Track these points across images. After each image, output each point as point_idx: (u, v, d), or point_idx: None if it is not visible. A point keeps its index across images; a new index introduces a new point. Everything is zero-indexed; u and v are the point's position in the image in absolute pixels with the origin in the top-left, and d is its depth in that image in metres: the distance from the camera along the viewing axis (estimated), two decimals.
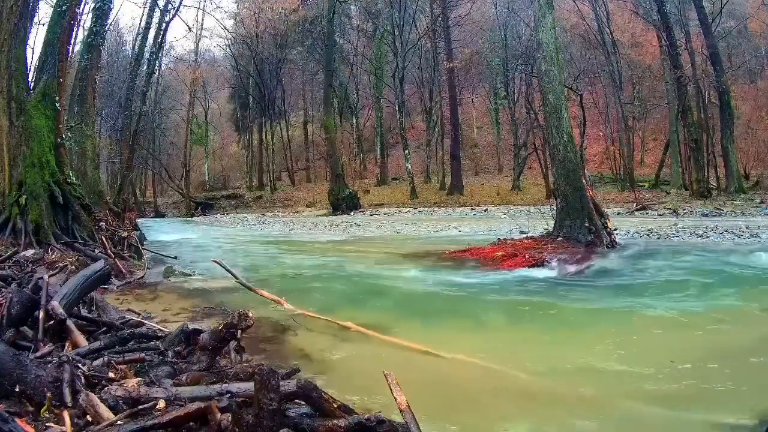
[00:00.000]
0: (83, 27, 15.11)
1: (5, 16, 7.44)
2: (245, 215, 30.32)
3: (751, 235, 9.89)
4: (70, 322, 3.01)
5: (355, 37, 38.71)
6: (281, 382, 1.84)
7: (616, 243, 8.60)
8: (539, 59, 9.71)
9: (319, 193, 32.72)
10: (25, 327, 2.99)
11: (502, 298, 5.83)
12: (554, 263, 7.35)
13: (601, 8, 28.83)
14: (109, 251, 7.58)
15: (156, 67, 26.07)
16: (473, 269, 7.52)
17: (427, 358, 3.61)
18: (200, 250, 11.36)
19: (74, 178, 8.63)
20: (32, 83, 8.27)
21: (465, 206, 25.53)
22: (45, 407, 2.02)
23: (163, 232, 16.24)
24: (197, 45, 40.24)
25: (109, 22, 16.55)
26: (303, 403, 2.03)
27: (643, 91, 30.81)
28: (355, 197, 27.11)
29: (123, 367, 2.54)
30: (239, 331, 2.77)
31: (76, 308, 3.48)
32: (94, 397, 2.00)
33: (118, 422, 1.88)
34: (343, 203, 26.16)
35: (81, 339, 2.94)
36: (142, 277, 6.93)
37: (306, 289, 6.52)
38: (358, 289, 6.51)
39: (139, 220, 14.47)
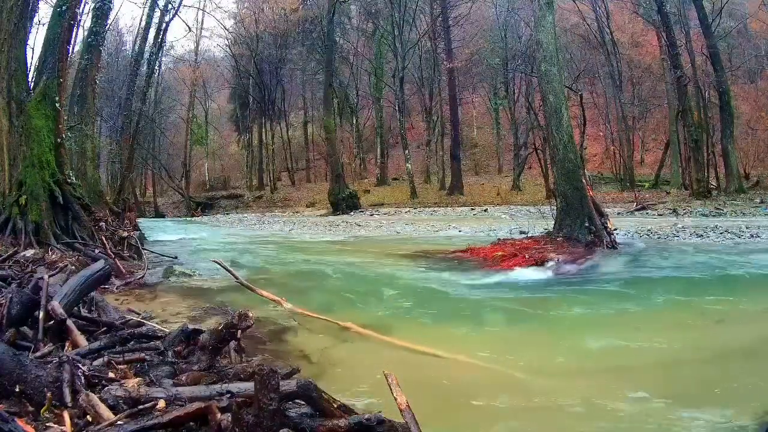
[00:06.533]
0: (83, 27, 15.12)
1: (5, 16, 7.44)
2: (245, 215, 30.32)
3: (752, 236, 9.89)
4: (70, 322, 3.00)
5: (355, 37, 38.72)
6: (281, 382, 1.84)
7: (616, 243, 8.59)
8: (539, 60, 9.70)
9: (319, 193, 32.72)
10: (25, 327, 2.99)
11: (501, 298, 5.83)
12: (554, 263, 7.35)
13: (601, 8, 28.84)
14: (109, 251, 7.58)
15: (156, 67, 26.07)
16: (473, 269, 7.52)
17: (426, 359, 3.61)
18: (200, 250, 11.36)
19: (74, 178, 8.62)
20: (32, 83, 8.26)
21: (465, 206, 25.53)
22: (45, 407, 2.02)
23: (163, 232, 16.24)
24: (197, 45, 40.32)
25: (109, 22, 16.55)
26: (303, 403, 2.03)
27: (643, 91, 30.83)
28: (355, 197, 27.11)
29: (123, 367, 2.54)
30: (239, 331, 2.77)
31: (76, 308, 3.48)
32: (94, 397, 2.00)
33: (118, 422, 1.88)
34: (343, 203, 26.16)
35: (81, 339, 2.94)
36: (142, 277, 6.92)
37: (306, 289, 6.52)
38: (357, 289, 6.51)
39: (139, 220, 14.45)
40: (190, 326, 3.07)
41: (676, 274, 6.81)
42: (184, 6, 23.34)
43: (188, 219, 31.54)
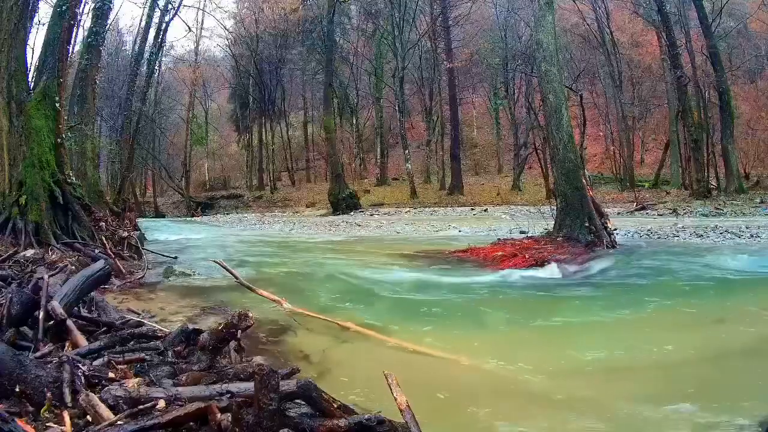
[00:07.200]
0: (83, 27, 15.12)
1: (5, 16, 7.43)
2: (245, 215, 30.30)
3: (751, 236, 9.88)
4: (70, 322, 3.00)
5: (355, 37, 38.71)
6: (281, 382, 1.84)
7: (616, 243, 8.59)
8: (539, 59, 9.70)
9: (319, 193, 32.70)
10: (25, 327, 2.99)
11: (502, 299, 5.83)
12: (554, 263, 7.34)
13: (601, 8, 28.83)
14: (109, 251, 7.57)
15: (156, 67, 26.05)
16: (473, 269, 7.52)
17: (427, 359, 3.61)
18: (200, 250, 11.35)
19: (74, 178, 8.62)
20: (32, 83, 8.25)
21: (465, 206, 25.53)
22: (45, 407, 2.02)
23: (163, 232, 16.21)
24: (197, 45, 40.30)
25: (109, 22, 16.56)
26: (303, 403, 2.03)
27: (643, 91, 30.81)
28: (354, 197, 27.10)
29: (123, 367, 2.54)
30: (239, 331, 2.77)
31: (76, 308, 3.48)
32: (94, 397, 2.00)
33: (118, 422, 1.88)
34: (343, 203, 26.14)
35: (81, 339, 2.93)
36: (142, 277, 6.92)
37: (306, 289, 6.52)
38: (357, 289, 6.51)
39: (139, 220, 14.45)
40: (190, 326, 3.07)
41: (676, 274, 6.80)
42: (184, 6, 23.32)
43: (188, 219, 31.51)
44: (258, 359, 3.29)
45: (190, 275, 7.38)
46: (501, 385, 3.15)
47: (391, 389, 1.98)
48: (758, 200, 18.68)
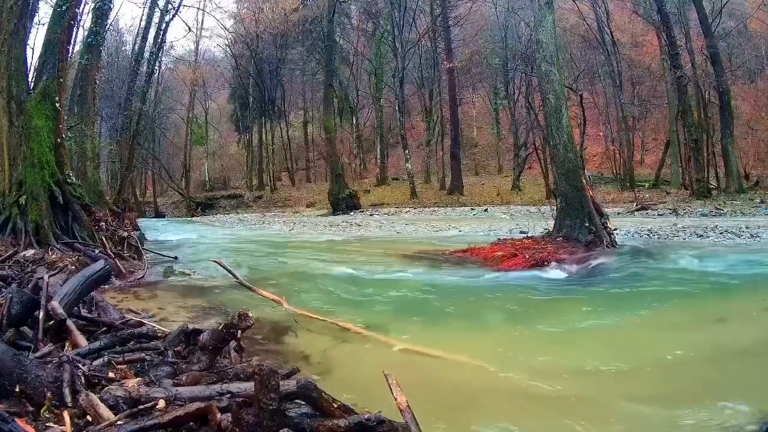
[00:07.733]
0: (83, 27, 15.15)
1: (5, 16, 7.44)
2: (245, 215, 30.32)
3: (751, 236, 9.88)
4: (70, 322, 3.00)
5: (355, 37, 38.73)
6: (281, 382, 1.84)
7: (616, 243, 8.59)
8: (539, 60, 9.69)
9: (319, 193, 32.73)
10: (25, 327, 2.99)
11: (501, 299, 5.82)
12: (554, 263, 7.34)
13: (601, 8, 28.84)
14: (109, 251, 7.57)
15: (156, 67, 26.09)
16: (473, 269, 7.52)
17: (427, 359, 3.61)
18: (200, 250, 11.35)
19: (74, 178, 8.62)
20: (32, 83, 8.26)
21: (465, 206, 25.53)
22: (45, 407, 2.02)
23: (163, 232, 16.23)
24: (197, 45, 40.38)
25: (109, 22, 16.59)
26: (303, 403, 2.03)
27: (643, 91, 30.83)
28: (354, 197, 27.13)
29: (123, 367, 2.54)
30: (239, 331, 2.77)
31: (76, 308, 3.48)
32: (94, 397, 2.00)
33: (118, 422, 1.88)
34: (343, 203, 26.17)
35: (81, 339, 2.93)
36: (142, 277, 6.93)
37: (306, 289, 6.51)
38: (357, 289, 6.51)
39: (139, 220, 14.49)
40: (190, 326, 3.07)
41: (676, 274, 6.80)
42: (184, 6, 23.45)
43: (188, 219, 31.53)
44: (258, 359, 3.29)
45: (190, 275, 7.39)
46: (501, 385, 3.15)
47: (391, 389, 1.98)
48: (758, 200, 18.68)
